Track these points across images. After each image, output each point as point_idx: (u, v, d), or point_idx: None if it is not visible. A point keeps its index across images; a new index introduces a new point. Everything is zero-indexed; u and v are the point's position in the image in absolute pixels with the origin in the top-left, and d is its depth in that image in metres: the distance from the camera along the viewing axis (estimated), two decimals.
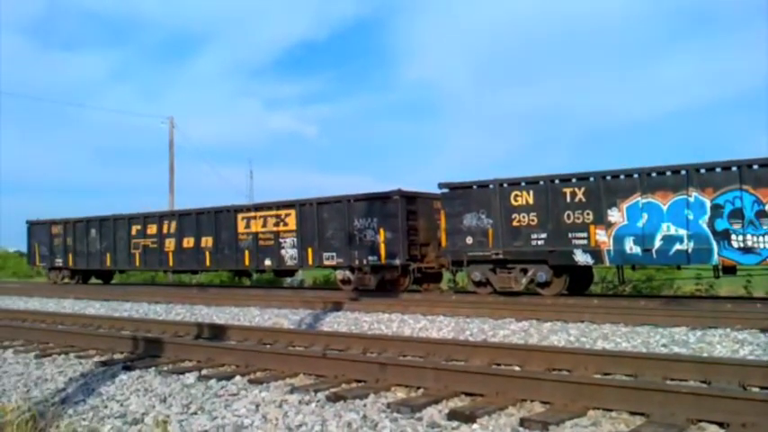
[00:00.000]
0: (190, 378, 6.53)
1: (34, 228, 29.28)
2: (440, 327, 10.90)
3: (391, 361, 6.24)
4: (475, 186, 16.85)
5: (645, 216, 14.59)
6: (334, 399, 5.36)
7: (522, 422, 4.50)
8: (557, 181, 15.67)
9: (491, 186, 16.51)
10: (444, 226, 17.47)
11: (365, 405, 5.21)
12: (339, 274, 20.04)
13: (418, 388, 5.65)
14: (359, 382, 6.01)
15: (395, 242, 18.42)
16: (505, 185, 16.33)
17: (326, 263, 20.14)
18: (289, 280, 26.87)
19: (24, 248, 34.01)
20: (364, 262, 19.08)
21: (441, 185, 17.51)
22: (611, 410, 4.71)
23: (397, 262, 18.42)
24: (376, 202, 18.92)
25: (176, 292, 20.81)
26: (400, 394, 5.59)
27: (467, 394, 5.39)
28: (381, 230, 18.61)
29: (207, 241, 22.84)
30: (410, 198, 18.80)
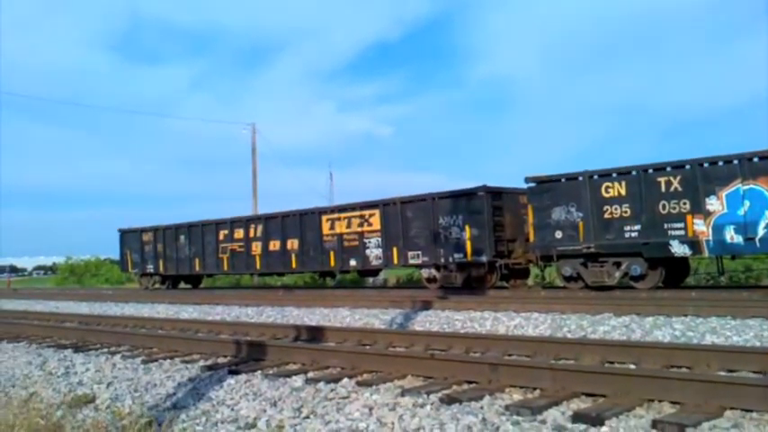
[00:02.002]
0: (297, 381, 6.51)
1: (126, 236, 30.30)
2: (535, 324, 10.65)
3: (503, 361, 6.06)
4: (563, 179, 16.48)
5: (746, 203, 13.94)
6: (449, 401, 5.23)
7: (655, 424, 4.26)
8: (650, 170, 15.15)
9: (580, 179, 16.11)
10: (532, 221, 17.16)
11: (482, 407, 5.05)
12: (425, 273, 19.94)
13: (534, 389, 5.46)
14: (470, 383, 5.86)
15: (481, 239, 18.19)
16: (596, 177, 15.90)
17: (412, 262, 20.08)
18: (371, 280, 26.96)
19: (116, 256, 35.30)
20: (450, 260, 18.93)
21: (527, 179, 17.19)
22: (750, 411, 4.42)
23: (484, 259, 18.19)
24: (461, 199, 18.73)
25: (264, 294, 21.12)
26: (516, 396, 5.42)
27: (587, 395, 5.17)
28: (467, 227, 18.41)
29: (293, 243, 23.12)
30: (496, 193, 18.53)
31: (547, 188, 16.79)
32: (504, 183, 19.17)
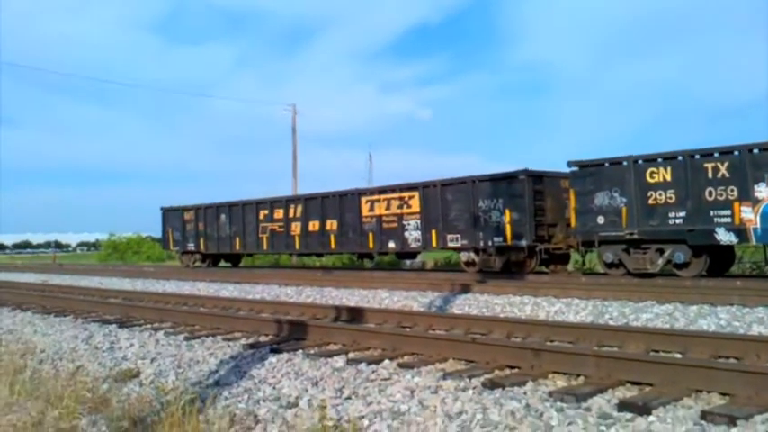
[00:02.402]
0: (338, 361, 6.54)
1: (168, 214, 30.69)
2: (576, 310, 10.54)
3: (546, 347, 6.00)
4: (607, 164, 16.21)
5: None
6: (491, 386, 5.20)
7: (704, 415, 4.17)
8: (697, 156, 14.81)
9: (624, 163, 15.83)
10: (574, 205, 16.93)
11: (525, 393, 5.02)
12: (463, 256, 19.85)
13: (578, 376, 5.40)
14: (512, 368, 5.82)
15: (521, 223, 18.03)
16: (640, 162, 15.61)
17: (450, 245, 19.99)
18: (409, 262, 26.94)
19: (157, 234, 35.82)
20: (489, 243, 18.80)
21: (570, 163, 16.95)
22: None
23: (524, 243, 18.03)
24: (501, 183, 18.57)
25: (303, 274, 21.27)
26: (560, 382, 5.36)
27: (633, 383, 5.09)
28: (507, 211, 18.25)
29: (332, 224, 23.20)
30: (537, 177, 18.32)
31: (590, 173, 16.54)
32: (544, 167, 18.96)
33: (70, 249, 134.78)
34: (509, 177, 18.44)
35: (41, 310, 12.26)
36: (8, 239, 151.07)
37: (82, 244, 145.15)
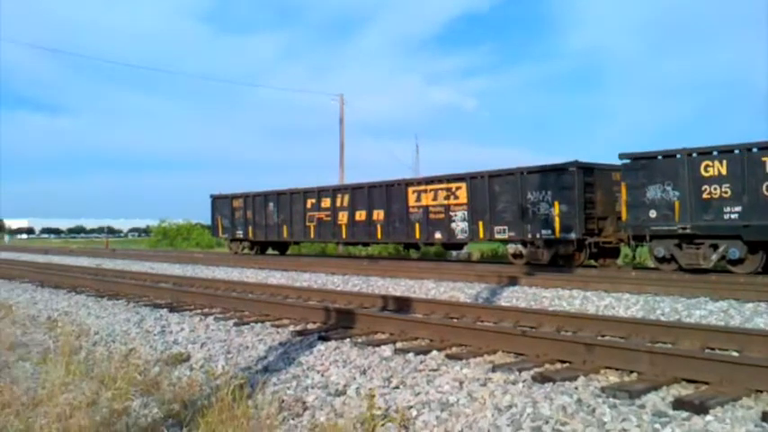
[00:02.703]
0: (386, 351, 6.53)
1: (217, 201, 31.05)
2: (627, 305, 10.36)
3: (598, 342, 5.89)
4: (660, 156, 15.85)
5: None
6: (541, 380, 5.13)
7: (765, 416, 4.05)
8: (754, 149, 14.38)
9: (678, 156, 15.45)
10: (625, 198, 16.61)
11: (576, 388, 4.93)
12: (511, 248, 19.67)
13: (631, 372, 5.30)
14: (563, 362, 5.74)
15: (570, 215, 17.77)
16: (695, 155, 15.22)
17: (498, 236, 19.82)
18: (455, 253, 26.80)
19: (206, 221, 36.31)
20: (537, 236, 18.58)
21: (621, 156, 16.64)
22: None
23: (573, 236, 17.77)
24: (551, 175, 18.32)
25: (349, 263, 21.33)
26: (613, 378, 5.27)
27: (688, 381, 4.97)
28: (556, 203, 18.01)
29: (378, 214, 23.21)
30: (587, 169, 18.02)
31: (642, 165, 16.20)
32: (594, 158, 18.63)
33: (122, 235, 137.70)
34: (559, 169, 18.17)
35: (95, 294, 12.54)
36: (63, 224, 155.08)
37: (133, 230, 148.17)
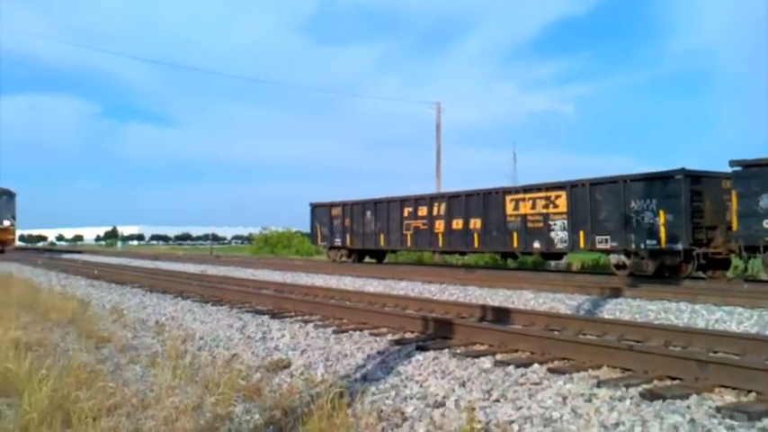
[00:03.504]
0: (486, 363, 6.42)
1: (317, 210, 31.59)
2: (739, 320, 9.83)
3: (713, 359, 5.59)
4: None
5: None
6: (650, 397, 4.90)
7: None
8: None
9: None
10: (736, 207, 15.82)
11: (689, 407, 4.69)
12: (613, 259, 19.07)
13: (749, 391, 4.99)
14: (673, 379, 5.47)
15: (677, 225, 17.05)
16: None
17: (599, 246, 19.25)
18: (554, 263, 26.22)
19: (305, 228, 36.94)
20: (642, 246, 17.93)
21: (732, 163, 15.85)
22: None
23: (680, 246, 17.04)
24: (656, 183, 17.65)
25: (446, 272, 21.22)
26: (728, 397, 4.97)
27: None
28: (661, 212, 17.33)
29: (475, 223, 23.00)
30: (695, 177, 17.25)
31: (755, 173, 15.38)
32: (701, 166, 17.82)
33: (226, 242, 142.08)
34: (664, 177, 17.49)
35: (200, 299, 12.94)
36: (171, 231, 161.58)
37: (236, 237, 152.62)
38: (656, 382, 5.44)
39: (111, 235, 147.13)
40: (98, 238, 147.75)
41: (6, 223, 49.73)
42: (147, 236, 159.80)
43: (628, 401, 4.88)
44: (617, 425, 4.40)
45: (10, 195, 51.22)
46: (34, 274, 21.32)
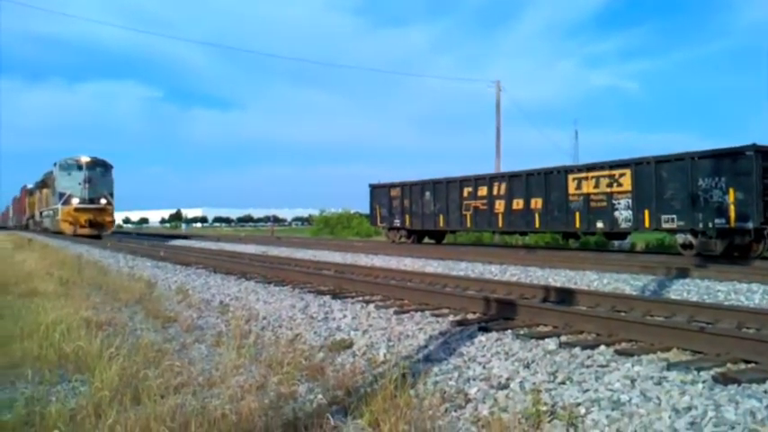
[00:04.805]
0: (550, 344, 6.31)
1: (376, 191, 31.63)
2: None
3: None
4: None
5: None
6: (724, 381, 4.73)
7: None
8: None
9: None
10: None
11: (765, 392, 4.51)
12: (680, 239, 18.58)
13: None
14: (747, 362, 5.27)
15: (747, 203, 16.48)
16: None
17: (665, 226, 18.76)
18: (617, 243, 25.71)
19: (364, 209, 37.09)
20: (709, 225, 17.41)
21: None
22: None
23: (750, 225, 16.48)
24: (725, 159, 17.07)
25: (506, 252, 21.03)
26: None
27: None
28: (731, 190, 16.76)
29: (536, 203, 22.69)
30: (767, 153, 16.62)
31: None
32: None
33: (286, 223, 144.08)
34: (734, 153, 16.90)
35: (263, 280, 13.11)
36: (233, 213, 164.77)
37: (296, 218, 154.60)
38: (729, 365, 5.25)
39: (176, 217, 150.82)
40: (163, 221, 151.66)
41: (103, 201, 40.73)
42: (210, 218, 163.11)
43: (700, 385, 4.72)
44: (689, 409, 4.26)
45: (106, 167, 42.18)
46: (102, 256, 21.96)
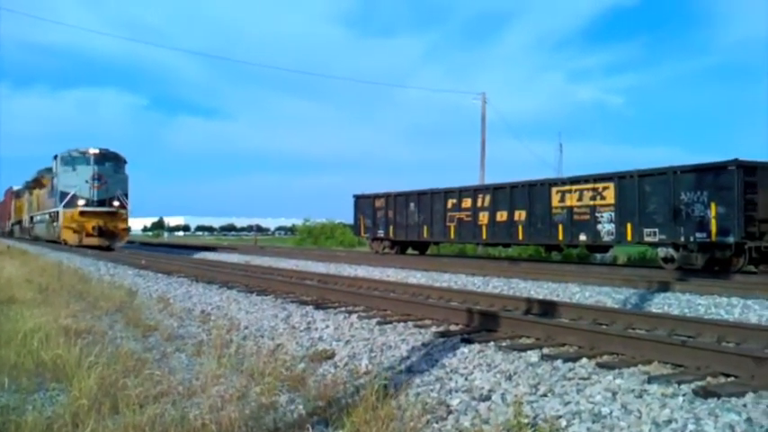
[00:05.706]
0: (533, 356, 6.32)
1: (360, 201, 31.60)
2: None
3: None
4: None
5: None
6: (704, 394, 4.75)
7: None
8: None
9: None
10: None
11: (745, 405, 4.54)
12: (661, 252, 18.72)
13: None
14: (727, 376, 5.30)
15: (729, 217, 16.64)
16: None
17: (647, 239, 18.90)
18: (599, 256, 25.86)
19: (348, 220, 37.05)
20: (691, 239, 17.55)
21: None
22: None
23: (731, 240, 16.64)
24: (707, 174, 17.23)
25: (489, 264, 21.06)
26: None
27: None
28: (713, 204, 16.92)
29: (520, 215, 22.78)
30: (749, 168, 16.80)
31: None
32: (755, 157, 17.34)
33: (269, 233, 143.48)
34: (716, 168, 17.07)
35: (245, 289, 13.03)
36: (215, 222, 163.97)
37: (280, 228, 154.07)
38: (709, 378, 5.28)
39: (158, 226, 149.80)
40: (145, 229, 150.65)
41: (115, 204, 32.13)
42: (193, 227, 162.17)
43: (680, 398, 4.74)
44: (669, 422, 4.27)
45: (119, 162, 33.58)
46: (83, 264, 21.78)
